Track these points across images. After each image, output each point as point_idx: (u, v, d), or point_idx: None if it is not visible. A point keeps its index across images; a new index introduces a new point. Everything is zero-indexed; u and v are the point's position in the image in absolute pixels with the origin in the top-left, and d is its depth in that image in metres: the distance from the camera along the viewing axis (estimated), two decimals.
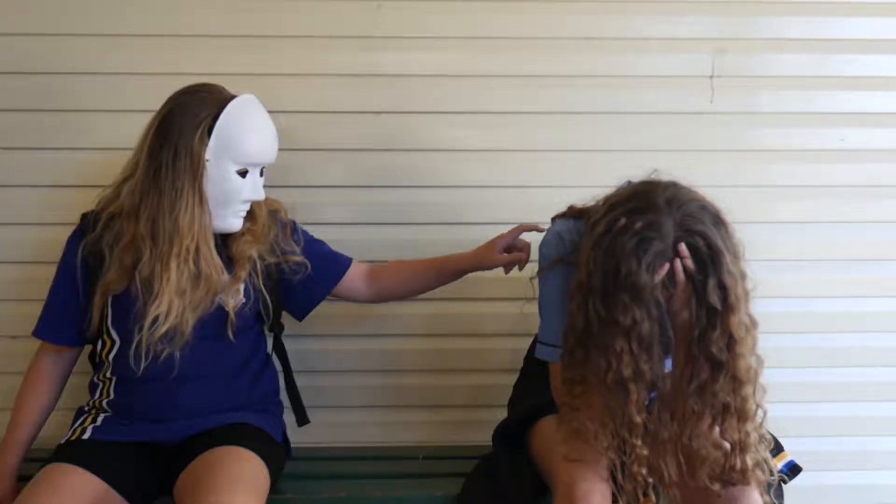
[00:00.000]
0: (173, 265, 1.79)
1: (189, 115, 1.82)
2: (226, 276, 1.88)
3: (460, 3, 2.27)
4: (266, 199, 1.99)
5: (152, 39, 2.24)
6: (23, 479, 1.87)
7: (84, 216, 1.95)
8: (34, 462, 1.87)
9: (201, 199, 1.82)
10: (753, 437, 1.66)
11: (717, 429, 1.65)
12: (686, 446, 1.66)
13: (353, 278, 2.10)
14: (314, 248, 2.05)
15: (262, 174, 1.94)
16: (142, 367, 1.82)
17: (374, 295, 2.13)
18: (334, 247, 2.17)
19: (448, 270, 2.11)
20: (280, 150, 2.22)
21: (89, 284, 1.89)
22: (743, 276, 1.61)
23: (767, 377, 2.36)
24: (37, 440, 1.96)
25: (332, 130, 2.29)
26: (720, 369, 1.61)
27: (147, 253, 1.81)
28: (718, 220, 1.63)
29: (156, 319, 1.79)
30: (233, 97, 1.86)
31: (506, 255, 2.04)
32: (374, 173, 2.31)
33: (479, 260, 2.06)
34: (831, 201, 2.38)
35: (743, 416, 1.64)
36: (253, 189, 1.90)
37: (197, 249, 1.82)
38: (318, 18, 2.25)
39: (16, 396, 1.96)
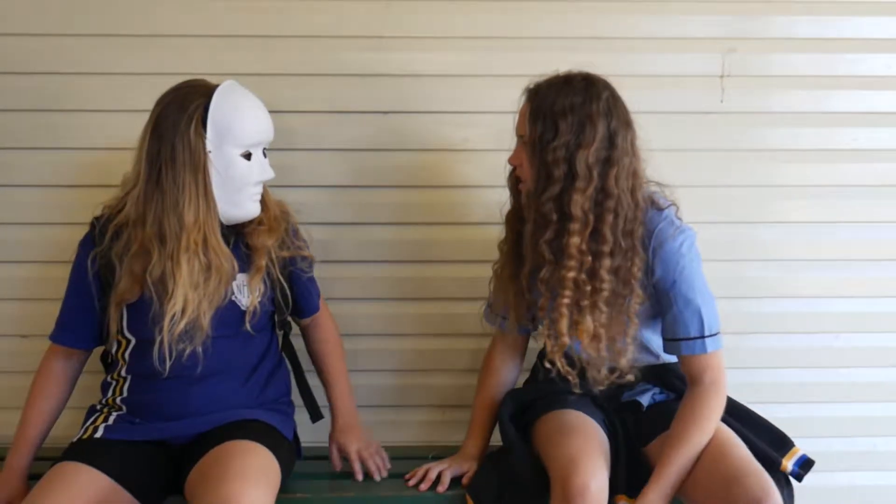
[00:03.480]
0: (184, 260, 1.80)
1: (179, 111, 1.81)
2: (237, 268, 1.88)
3: (468, 2, 2.26)
4: (276, 200, 2.01)
5: (157, 39, 2.25)
6: (33, 477, 1.87)
7: (94, 221, 1.95)
8: (45, 461, 1.87)
9: (206, 191, 1.83)
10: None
11: None
12: None
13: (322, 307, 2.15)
14: None
15: (265, 154, 1.94)
16: (167, 367, 1.83)
17: (304, 331, 2.14)
18: (341, 246, 2.22)
19: (330, 399, 2.12)
20: (287, 149, 2.25)
21: (103, 295, 1.90)
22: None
23: (779, 377, 2.39)
24: (48, 439, 1.97)
25: (339, 130, 2.29)
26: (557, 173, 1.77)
27: (156, 254, 1.81)
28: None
29: (174, 317, 1.80)
30: (216, 86, 1.86)
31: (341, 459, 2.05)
32: (380, 173, 2.31)
33: (337, 429, 2.08)
34: (843, 201, 2.36)
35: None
36: (261, 170, 1.91)
37: (204, 240, 1.82)
38: (326, 18, 2.25)
39: (27, 397, 1.97)
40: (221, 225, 1.88)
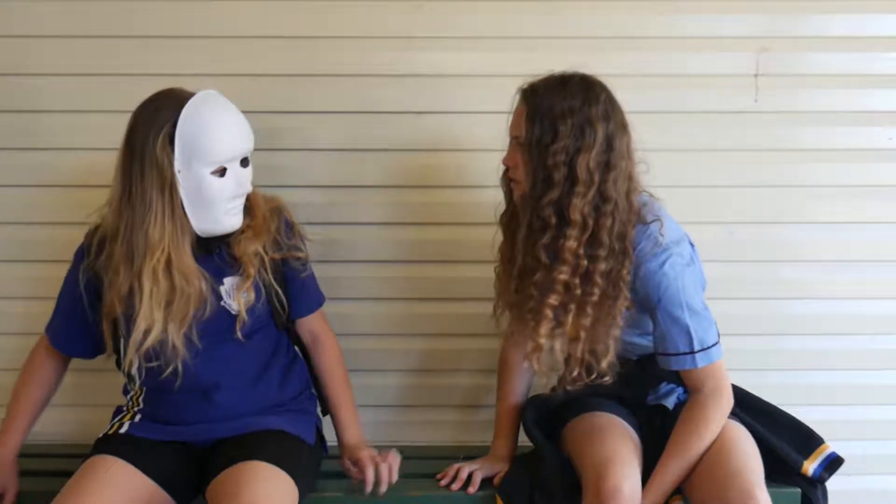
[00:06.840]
0: (146, 279, 1.76)
1: (148, 127, 1.75)
2: (207, 289, 1.82)
3: (502, 2, 2.26)
4: (267, 197, 1.96)
5: (184, 41, 2.25)
6: (60, 474, 1.89)
7: (87, 233, 1.93)
8: (75, 458, 1.89)
9: (172, 210, 1.77)
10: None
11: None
12: None
13: (318, 318, 2.07)
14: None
15: (246, 164, 1.87)
16: (139, 383, 1.86)
17: (305, 335, 2.07)
18: (370, 247, 2.26)
19: (336, 420, 2.06)
20: (319, 150, 2.26)
21: (94, 310, 1.89)
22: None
23: (812, 379, 2.37)
24: (72, 436, 1.98)
25: (372, 131, 2.28)
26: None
27: (123, 272, 1.78)
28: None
29: (139, 336, 1.77)
30: (191, 96, 1.79)
31: (354, 467, 1.96)
32: (414, 173, 2.31)
33: (345, 446, 2.01)
34: (878, 201, 2.34)
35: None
36: (237, 185, 1.83)
37: (168, 261, 1.77)
38: (359, 18, 2.25)
39: (13, 388, 1.98)
40: (198, 238, 1.84)
